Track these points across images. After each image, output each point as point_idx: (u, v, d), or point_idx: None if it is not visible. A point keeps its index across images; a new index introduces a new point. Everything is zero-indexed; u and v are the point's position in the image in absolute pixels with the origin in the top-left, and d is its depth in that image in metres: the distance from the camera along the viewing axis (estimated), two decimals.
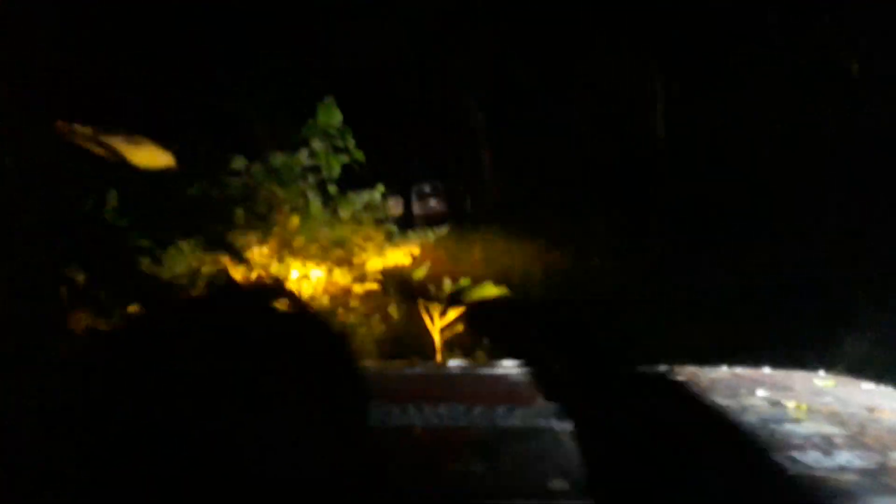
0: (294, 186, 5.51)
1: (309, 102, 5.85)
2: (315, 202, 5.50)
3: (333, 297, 5.32)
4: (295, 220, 5.38)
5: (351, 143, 5.78)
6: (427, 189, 7.83)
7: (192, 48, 6.83)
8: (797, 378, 3.17)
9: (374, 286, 5.41)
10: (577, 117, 7.58)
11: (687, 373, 3.17)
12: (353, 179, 5.89)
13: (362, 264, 5.61)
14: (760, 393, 2.71)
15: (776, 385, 2.93)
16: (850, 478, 1.69)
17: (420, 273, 5.28)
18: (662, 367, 3.26)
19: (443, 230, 6.14)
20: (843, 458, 1.85)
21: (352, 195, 5.74)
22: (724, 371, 3.30)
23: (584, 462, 1.74)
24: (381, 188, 5.80)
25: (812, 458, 1.84)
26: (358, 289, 5.30)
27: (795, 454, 1.86)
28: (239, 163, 5.31)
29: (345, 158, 5.75)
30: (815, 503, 1.49)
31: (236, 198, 5.26)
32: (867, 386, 3.04)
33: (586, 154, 7.61)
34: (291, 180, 5.52)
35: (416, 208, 7.89)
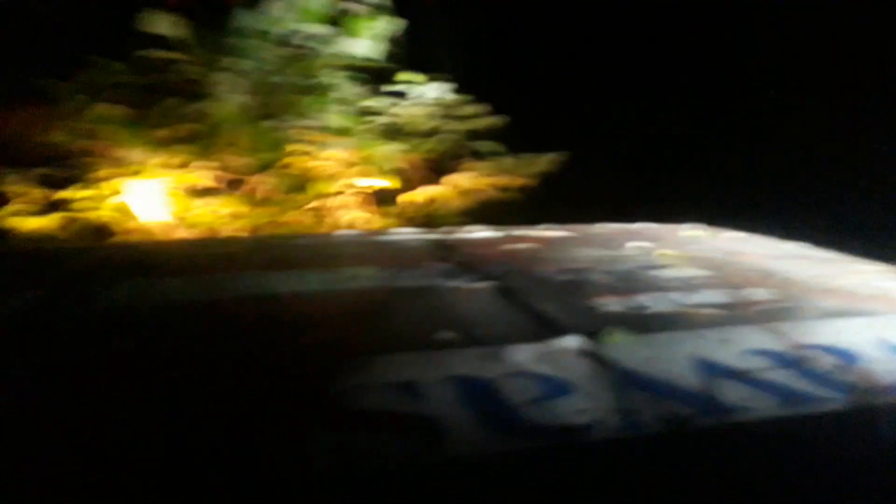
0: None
1: None
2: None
3: None
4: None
5: None
6: None
7: None
8: (668, 230, 3.39)
9: None
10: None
11: (570, 228, 3.32)
12: None
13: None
14: (635, 244, 2.88)
15: (650, 237, 3.12)
16: (709, 311, 1.85)
17: None
18: (544, 225, 3.39)
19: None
20: (704, 295, 2.02)
21: None
22: (604, 226, 3.47)
23: (470, 314, 1.81)
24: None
25: (675, 297, 2.00)
26: None
27: (663, 294, 2.01)
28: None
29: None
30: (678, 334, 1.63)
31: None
32: (728, 234, 3.29)
33: None
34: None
35: None
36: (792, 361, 1.48)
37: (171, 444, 1.11)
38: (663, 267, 2.42)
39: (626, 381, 1.37)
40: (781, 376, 1.40)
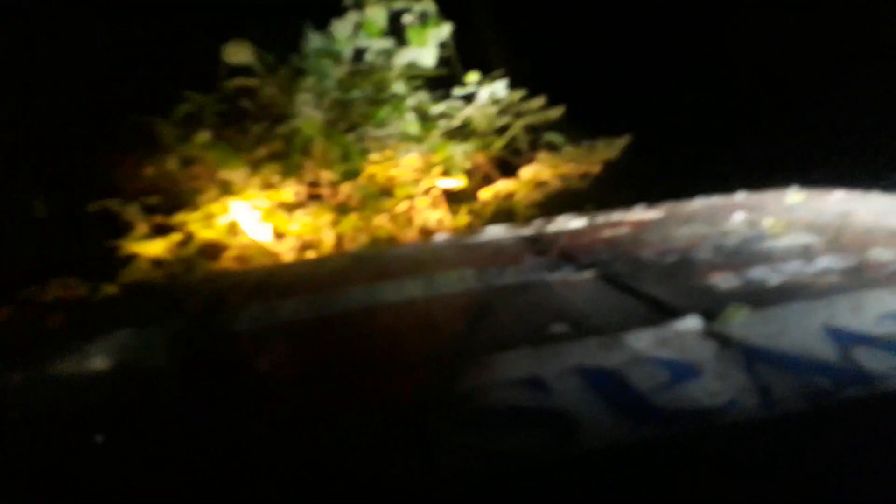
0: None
1: None
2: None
3: None
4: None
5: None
6: None
7: None
8: (770, 197, 3.24)
9: None
10: None
11: (666, 208, 3.23)
12: None
13: None
14: (738, 216, 2.78)
15: (752, 207, 3.00)
16: (832, 279, 1.76)
17: None
18: (641, 206, 3.31)
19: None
20: (824, 262, 1.92)
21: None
22: (700, 201, 3.36)
23: (579, 305, 1.80)
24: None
25: (794, 266, 1.91)
26: None
27: (779, 265, 1.93)
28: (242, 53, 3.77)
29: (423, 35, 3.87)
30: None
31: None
32: (838, 195, 3.11)
33: None
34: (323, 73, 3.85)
35: None
36: None
37: (315, 450, 1.16)
38: (775, 237, 2.32)
39: (756, 358, 1.32)
40: None
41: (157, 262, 4.10)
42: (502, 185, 4.65)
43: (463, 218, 4.51)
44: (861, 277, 1.74)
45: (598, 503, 0.97)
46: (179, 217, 4.14)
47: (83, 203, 4.11)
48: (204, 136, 3.92)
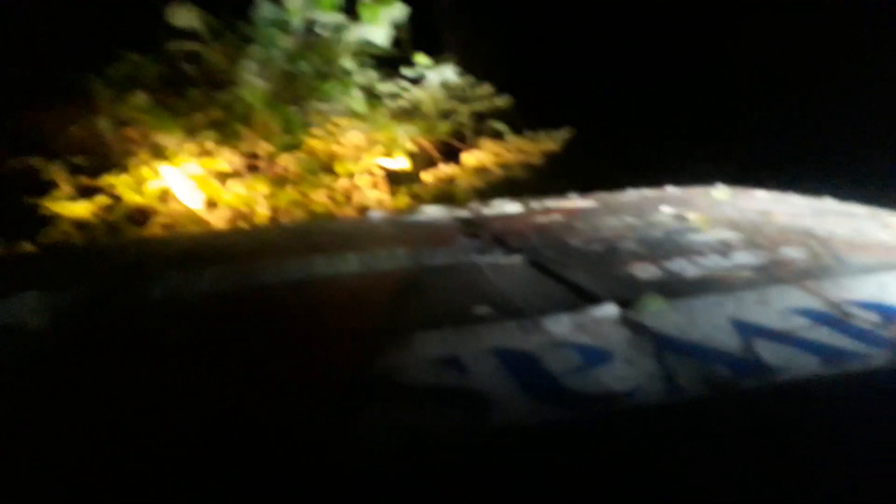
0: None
1: None
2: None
3: None
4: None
5: None
6: None
7: None
8: (697, 193, 3.36)
9: None
10: None
11: (597, 198, 3.30)
12: None
13: None
14: (665, 209, 2.87)
15: (679, 201, 3.10)
16: (745, 273, 1.84)
17: None
18: (573, 194, 3.37)
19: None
20: (739, 257, 2.01)
21: None
22: (631, 193, 3.45)
23: (504, 288, 1.83)
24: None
25: (711, 260, 1.99)
26: None
27: (697, 258, 2.01)
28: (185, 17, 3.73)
29: None
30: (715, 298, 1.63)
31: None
32: (761, 194, 3.25)
33: None
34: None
35: None
36: (832, 319, 1.47)
37: (230, 423, 1.15)
38: (696, 231, 2.41)
39: (665, 346, 1.38)
40: (822, 335, 1.40)
41: (81, 225, 3.98)
42: (445, 170, 4.70)
43: (403, 199, 4.54)
44: (771, 273, 1.83)
45: (506, 480, 1.00)
46: (107, 179, 4.02)
47: (4, 159, 3.96)
48: (140, 98, 3.83)
